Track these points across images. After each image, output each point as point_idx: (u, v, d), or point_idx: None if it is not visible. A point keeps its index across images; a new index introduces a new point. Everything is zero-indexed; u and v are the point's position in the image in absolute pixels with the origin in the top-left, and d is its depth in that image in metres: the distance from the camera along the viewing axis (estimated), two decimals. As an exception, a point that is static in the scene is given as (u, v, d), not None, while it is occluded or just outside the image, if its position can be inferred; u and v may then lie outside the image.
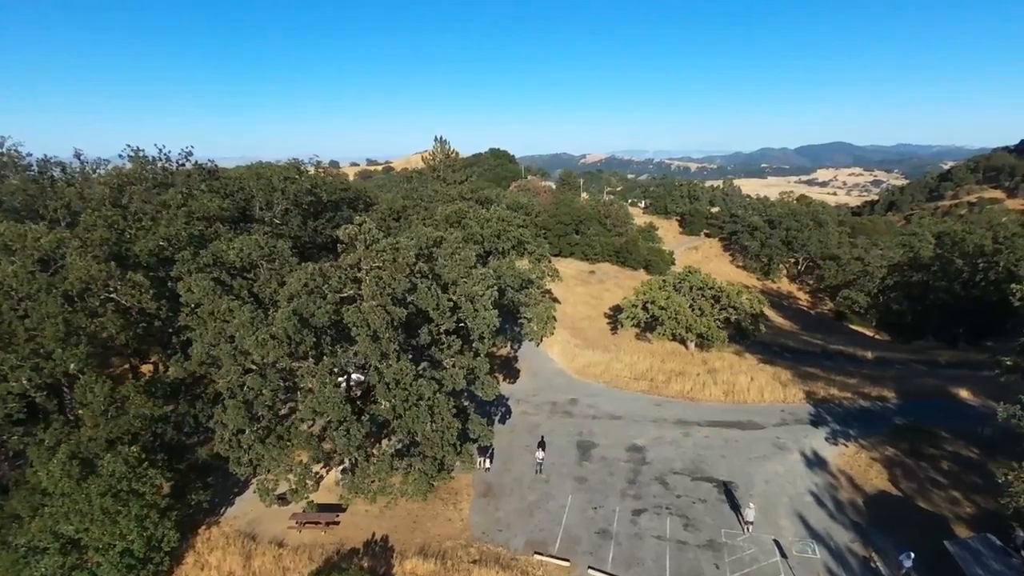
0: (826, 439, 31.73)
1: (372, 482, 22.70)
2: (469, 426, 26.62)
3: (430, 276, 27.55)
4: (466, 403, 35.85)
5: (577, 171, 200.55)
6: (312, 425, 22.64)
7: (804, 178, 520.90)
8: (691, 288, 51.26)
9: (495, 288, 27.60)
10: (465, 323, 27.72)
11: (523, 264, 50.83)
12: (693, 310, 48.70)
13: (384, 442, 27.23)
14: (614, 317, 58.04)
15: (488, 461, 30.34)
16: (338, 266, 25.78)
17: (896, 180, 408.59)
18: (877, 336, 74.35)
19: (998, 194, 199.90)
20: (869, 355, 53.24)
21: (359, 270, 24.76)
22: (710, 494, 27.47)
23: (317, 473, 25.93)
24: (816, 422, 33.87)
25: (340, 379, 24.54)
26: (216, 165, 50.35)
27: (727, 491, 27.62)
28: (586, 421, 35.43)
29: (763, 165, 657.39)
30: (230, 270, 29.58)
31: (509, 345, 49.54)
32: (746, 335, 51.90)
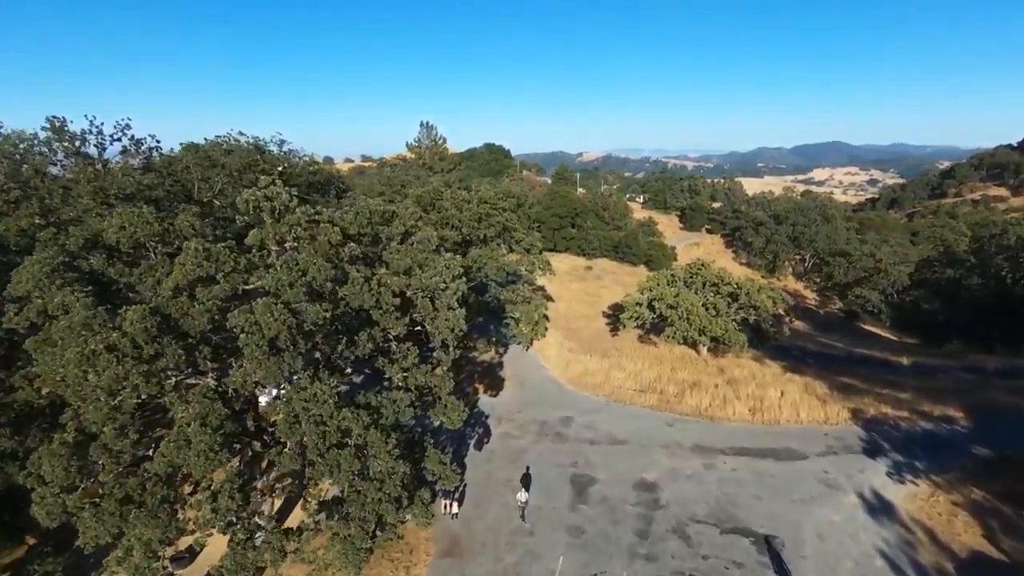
0: (889, 475, 24.84)
1: (258, 566, 15.69)
2: (425, 464, 19.71)
3: (375, 262, 20.62)
4: (434, 423, 28.89)
5: (574, 168, 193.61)
6: (171, 483, 15.54)
7: (801, 177, 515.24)
8: (704, 284, 44.49)
9: (463, 280, 20.68)
10: (423, 326, 20.83)
11: (512, 258, 44.21)
12: (707, 309, 41.91)
13: (312, 489, 20.28)
14: (613, 316, 51.27)
15: (455, 505, 23.34)
16: (243, 248, 18.76)
17: (892, 179, 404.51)
18: (900, 338, 67.91)
19: (1002, 191, 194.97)
20: (904, 360, 46.63)
21: (267, 253, 17.78)
22: (748, 555, 20.61)
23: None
24: (872, 451, 26.96)
25: (240, 407, 17.53)
26: (158, 141, 43.45)
27: (770, 550, 20.75)
28: (582, 447, 28.56)
29: (759, 164, 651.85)
30: (123, 257, 22.64)
31: (493, 349, 42.95)
32: (766, 338, 45.22)
